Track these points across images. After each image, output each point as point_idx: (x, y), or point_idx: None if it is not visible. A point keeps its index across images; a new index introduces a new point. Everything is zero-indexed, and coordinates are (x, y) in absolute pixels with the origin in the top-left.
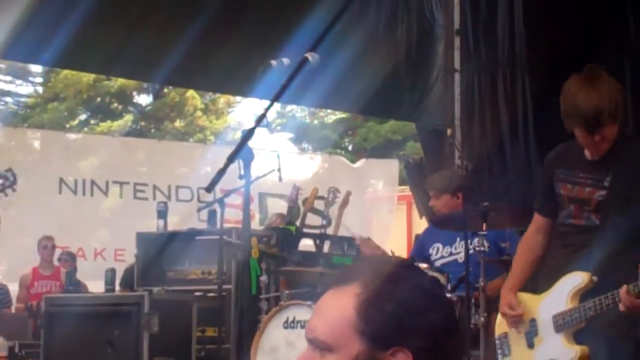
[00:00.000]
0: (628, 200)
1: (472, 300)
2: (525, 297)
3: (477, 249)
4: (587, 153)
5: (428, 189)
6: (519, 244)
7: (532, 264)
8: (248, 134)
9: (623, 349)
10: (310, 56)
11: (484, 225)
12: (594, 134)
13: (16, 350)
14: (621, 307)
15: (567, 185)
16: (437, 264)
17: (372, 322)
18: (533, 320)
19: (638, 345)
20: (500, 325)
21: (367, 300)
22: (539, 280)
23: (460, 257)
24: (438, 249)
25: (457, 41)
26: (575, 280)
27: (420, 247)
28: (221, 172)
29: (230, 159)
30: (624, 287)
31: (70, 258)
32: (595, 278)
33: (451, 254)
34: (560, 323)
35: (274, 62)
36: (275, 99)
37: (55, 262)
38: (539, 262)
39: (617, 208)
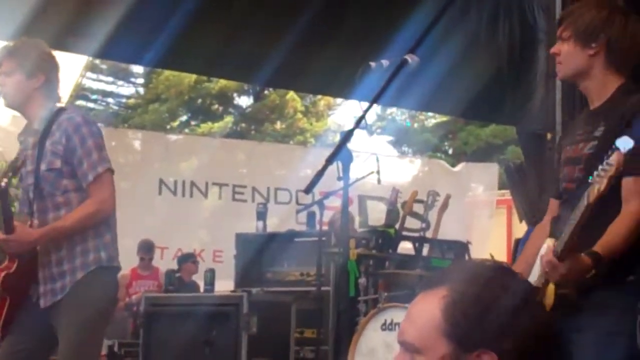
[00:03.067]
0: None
1: None
2: None
3: None
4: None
5: None
6: (530, 234)
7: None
8: (347, 136)
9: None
10: (409, 58)
11: None
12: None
13: (115, 349)
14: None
15: (567, 148)
16: None
17: (457, 325)
18: None
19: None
20: None
21: (452, 303)
22: None
23: None
24: None
25: None
26: (543, 248)
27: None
28: (319, 174)
29: (329, 161)
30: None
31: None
32: (555, 242)
33: None
34: None
35: (372, 64)
36: (374, 100)
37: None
38: None
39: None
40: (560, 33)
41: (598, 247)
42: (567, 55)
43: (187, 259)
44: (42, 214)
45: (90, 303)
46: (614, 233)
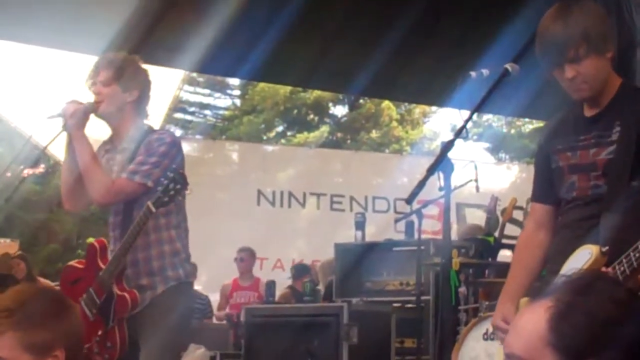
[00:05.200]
0: (639, 154)
1: None
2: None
3: None
4: (585, 109)
5: None
6: (516, 244)
7: (534, 267)
8: (448, 146)
9: None
10: (510, 67)
11: None
12: (567, 67)
13: None
14: None
15: (567, 154)
16: None
17: (564, 335)
18: None
19: None
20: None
21: (558, 314)
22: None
23: None
24: None
25: None
26: (583, 256)
27: None
28: (421, 185)
29: (431, 171)
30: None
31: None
32: (606, 249)
33: None
34: None
35: (473, 74)
36: (475, 110)
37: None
38: (541, 264)
39: (628, 165)
40: (574, 54)
41: None
42: (594, 71)
43: (304, 273)
44: (125, 227)
45: (173, 315)
46: None
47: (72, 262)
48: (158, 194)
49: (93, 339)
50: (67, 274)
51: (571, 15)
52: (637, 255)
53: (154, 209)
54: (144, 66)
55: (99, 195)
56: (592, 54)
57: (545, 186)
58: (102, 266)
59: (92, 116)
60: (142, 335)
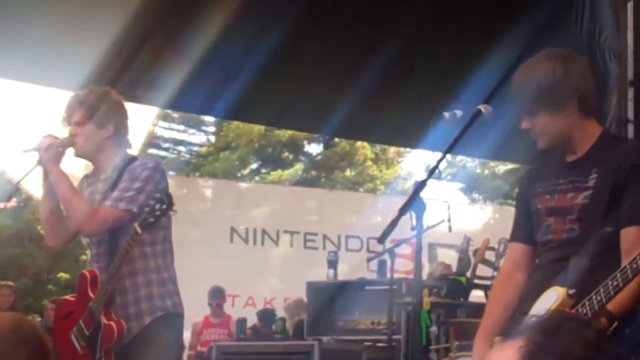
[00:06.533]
0: (613, 202)
1: None
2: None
3: None
4: (566, 155)
5: None
6: (493, 283)
7: (510, 306)
8: (420, 186)
9: None
10: (483, 108)
11: None
12: (524, 118)
13: None
14: None
15: (545, 197)
16: None
17: None
18: None
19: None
20: None
21: (528, 354)
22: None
23: None
24: None
25: (630, 92)
26: (551, 297)
27: None
28: (393, 224)
29: (403, 211)
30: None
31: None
32: (573, 291)
33: None
34: None
35: (446, 115)
36: (448, 151)
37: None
38: (517, 304)
39: (602, 211)
40: (528, 108)
41: (611, 307)
42: (546, 127)
43: (270, 317)
44: (112, 256)
45: (161, 348)
46: (625, 291)
47: (66, 297)
48: (144, 215)
49: None
50: (59, 309)
51: (532, 71)
52: (599, 298)
53: (139, 230)
54: (117, 97)
55: (84, 224)
56: (544, 111)
57: (524, 227)
58: (92, 296)
59: (68, 151)
60: None
